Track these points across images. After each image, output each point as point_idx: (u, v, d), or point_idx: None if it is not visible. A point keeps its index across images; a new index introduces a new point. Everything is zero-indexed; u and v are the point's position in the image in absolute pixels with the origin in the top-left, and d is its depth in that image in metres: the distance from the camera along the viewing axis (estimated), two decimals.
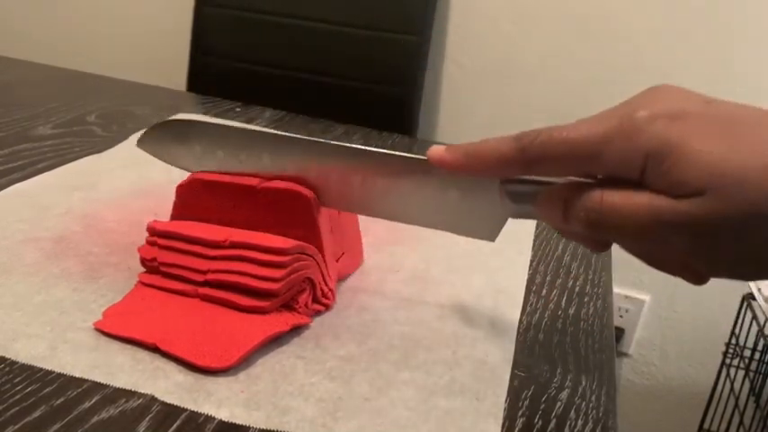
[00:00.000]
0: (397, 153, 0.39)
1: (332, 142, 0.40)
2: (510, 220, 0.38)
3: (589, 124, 0.32)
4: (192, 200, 0.43)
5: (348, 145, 0.40)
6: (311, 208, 0.41)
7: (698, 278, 0.34)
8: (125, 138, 0.67)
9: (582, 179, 0.34)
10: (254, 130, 0.42)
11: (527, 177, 0.36)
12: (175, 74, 1.26)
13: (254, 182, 0.41)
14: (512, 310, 0.44)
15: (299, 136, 0.41)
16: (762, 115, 0.32)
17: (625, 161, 0.31)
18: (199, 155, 0.43)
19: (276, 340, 0.38)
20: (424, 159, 0.37)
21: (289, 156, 0.41)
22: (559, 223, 0.35)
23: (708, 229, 0.30)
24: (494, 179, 0.37)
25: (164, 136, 0.44)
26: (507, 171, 0.36)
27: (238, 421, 0.32)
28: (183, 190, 0.43)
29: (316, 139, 0.40)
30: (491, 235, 0.40)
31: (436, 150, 0.37)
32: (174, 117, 0.74)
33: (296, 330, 0.39)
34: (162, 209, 0.44)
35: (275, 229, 0.41)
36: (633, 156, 0.31)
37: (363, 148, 0.39)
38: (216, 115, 0.79)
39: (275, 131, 0.41)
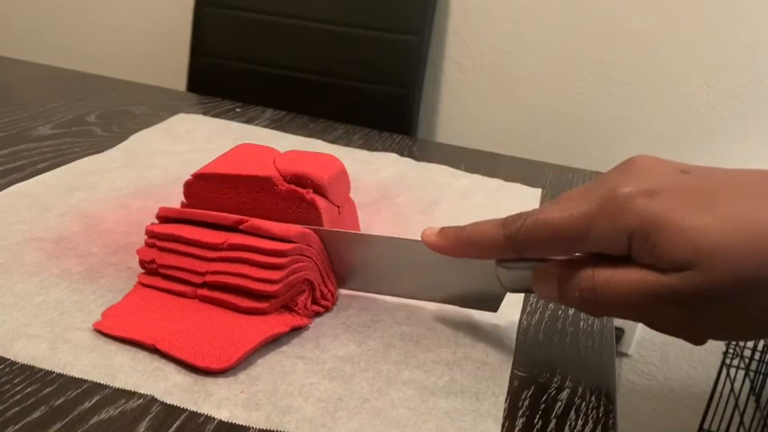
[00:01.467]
0: (398, 237, 0.41)
1: (342, 231, 0.42)
2: None
3: (572, 205, 0.33)
4: (199, 193, 0.44)
5: (357, 233, 0.42)
6: (318, 201, 0.42)
7: (697, 341, 0.35)
8: (125, 138, 0.67)
9: (574, 256, 0.35)
10: None
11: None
12: (175, 74, 1.26)
13: (257, 173, 0.42)
14: (512, 310, 0.44)
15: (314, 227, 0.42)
16: (739, 182, 0.32)
17: (610, 241, 0.32)
18: None
19: (276, 341, 0.38)
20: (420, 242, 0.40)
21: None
22: (556, 298, 0.36)
23: (698, 301, 0.31)
24: (490, 259, 0.38)
25: None
26: (497, 255, 0.37)
27: (238, 422, 0.32)
28: (188, 188, 0.44)
29: (329, 229, 0.42)
30: (493, 307, 0.42)
31: (429, 235, 0.39)
32: (174, 116, 0.74)
33: (295, 330, 0.39)
34: None
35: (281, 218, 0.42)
36: (617, 235, 0.32)
37: (370, 234, 0.42)
38: (216, 115, 0.79)
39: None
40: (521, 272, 0.38)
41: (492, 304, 0.42)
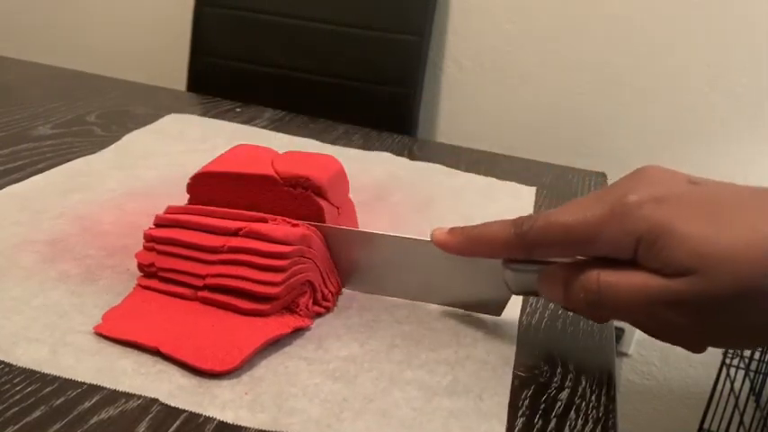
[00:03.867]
0: (405, 236, 0.41)
1: (348, 228, 0.42)
2: None
3: (583, 209, 0.34)
4: (203, 191, 0.44)
5: (363, 231, 0.42)
6: (319, 195, 0.42)
7: (695, 348, 0.36)
8: None
9: (580, 259, 0.36)
10: None
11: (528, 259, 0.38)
12: (175, 74, 1.26)
13: (259, 170, 0.42)
14: (512, 309, 0.44)
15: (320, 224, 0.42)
16: (743, 195, 0.34)
17: (618, 244, 0.33)
18: None
19: (278, 342, 0.38)
20: (429, 241, 0.40)
21: None
22: (561, 302, 0.37)
23: (700, 307, 0.32)
24: (496, 261, 0.39)
25: None
26: (507, 254, 0.38)
27: (244, 423, 0.32)
28: (192, 186, 0.44)
29: (334, 226, 0.42)
30: (497, 311, 0.42)
31: (439, 234, 0.39)
32: (167, 116, 0.74)
33: (298, 331, 0.39)
34: (157, 210, 0.44)
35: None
36: (625, 239, 0.33)
37: (376, 233, 0.42)
38: (216, 115, 0.79)
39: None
40: (527, 274, 0.38)
41: (495, 308, 0.42)
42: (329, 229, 0.42)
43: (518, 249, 0.36)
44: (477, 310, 0.43)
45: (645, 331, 0.36)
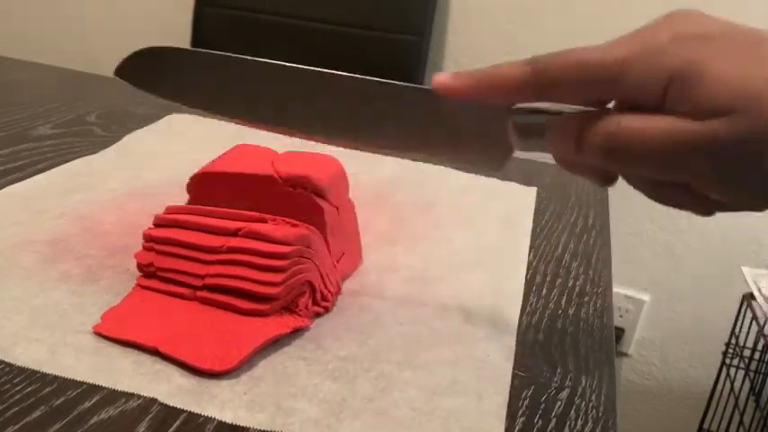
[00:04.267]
0: (400, 83, 0.37)
1: (334, 72, 0.37)
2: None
3: (609, 46, 0.31)
4: (203, 191, 0.44)
5: (351, 75, 0.37)
6: (319, 195, 0.42)
7: (706, 210, 0.33)
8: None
9: (595, 109, 0.33)
10: (233, 57, 0.39)
11: (537, 107, 0.34)
12: None
13: (259, 170, 0.42)
14: (512, 309, 0.44)
15: (296, 65, 0.38)
16: None
17: (647, 83, 0.30)
18: (184, 85, 0.40)
19: (277, 342, 0.38)
20: (428, 89, 0.35)
21: (279, 87, 0.39)
22: (571, 154, 0.33)
23: (731, 150, 0.29)
24: (500, 111, 0.35)
25: (145, 63, 0.40)
26: (519, 97, 0.34)
27: (243, 423, 0.32)
28: (192, 185, 0.44)
29: (316, 68, 0.37)
30: (497, 166, 0.38)
31: (442, 77, 0.35)
32: (168, 116, 0.74)
33: (297, 331, 0.39)
34: (158, 210, 0.44)
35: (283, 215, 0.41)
36: (656, 77, 0.30)
37: (357, 77, 0.37)
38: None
39: (273, 61, 0.39)
40: (535, 125, 0.35)
41: (496, 164, 0.38)
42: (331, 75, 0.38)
43: (531, 89, 0.33)
44: (474, 165, 0.39)
45: (652, 194, 0.34)
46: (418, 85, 0.36)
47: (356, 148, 0.39)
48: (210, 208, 0.42)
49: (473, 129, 0.37)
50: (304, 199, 0.42)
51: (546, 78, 0.32)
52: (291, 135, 0.39)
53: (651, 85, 0.30)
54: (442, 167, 0.69)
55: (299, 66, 0.37)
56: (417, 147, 0.39)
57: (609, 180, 0.35)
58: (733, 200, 0.32)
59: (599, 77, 0.31)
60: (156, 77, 0.40)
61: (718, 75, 0.29)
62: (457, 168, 0.68)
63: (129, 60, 0.40)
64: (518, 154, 0.37)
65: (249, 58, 0.38)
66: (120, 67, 0.40)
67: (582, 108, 0.33)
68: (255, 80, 0.39)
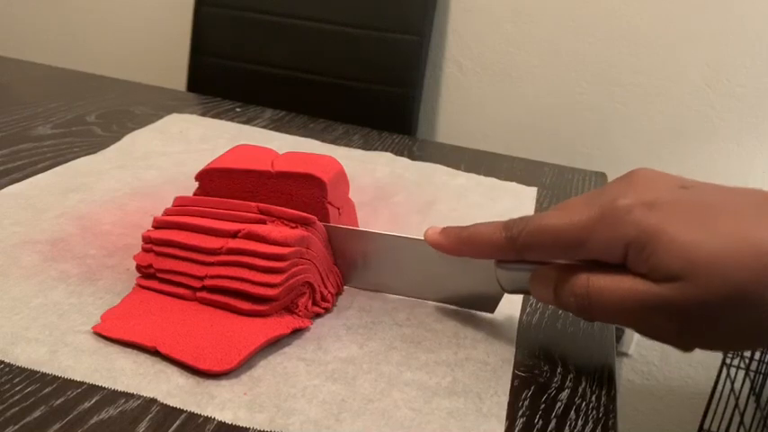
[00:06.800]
0: (402, 235, 0.42)
1: (346, 227, 0.43)
2: None
3: (573, 213, 0.35)
4: (210, 187, 0.44)
5: (357, 229, 0.43)
6: (324, 193, 0.42)
7: (684, 348, 0.35)
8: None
9: (570, 262, 0.36)
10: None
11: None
12: (175, 74, 1.26)
13: (267, 167, 0.43)
14: (512, 310, 0.44)
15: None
16: (735, 200, 0.33)
17: (607, 249, 0.34)
18: None
19: (277, 342, 0.38)
20: (422, 240, 0.40)
21: None
22: (551, 303, 0.37)
23: (687, 312, 0.32)
24: (489, 262, 0.39)
25: None
26: (499, 256, 0.38)
27: (242, 424, 0.32)
28: (202, 178, 0.44)
29: (334, 225, 0.42)
30: (490, 308, 0.43)
31: (432, 233, 0.40)
32: (168, 116, 0.74)
33: (297, 332, 0.39)
34: (158, 210, 0.44)
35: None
36: (615, 244, 0.33)
37: (361, 230, 0.43)
38: (216, 115, 0.79)
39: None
40: (519, 273, 0.39)
41: (489, 305, 0.43)
42: (329, 228, 0.42)
43: (509, 252, 0.37)
44: (470, 307, 0.43)
45: (635, 331, 0.36)
46: (417, 238, 0.41)
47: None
48: (217, 199, 0.42)
49: (468, 276, 0.41)
50: (307, 200, 0.42)
51: (520, 244, 0.36)
52: None
53: (612, 250, 0.34)
54: (441, 166, 0.69)
55: (334, 226, 0.43)
56: (421, 292, 0.44)
57: (593, 320, 0.39)
58: (702, 346, 0.35)
59: (567, 243, 0.35)
60: None
61: (669, 243, 0.32)
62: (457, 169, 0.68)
63: None
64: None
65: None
66: None
67: (559, 262, 0.37)
68: None
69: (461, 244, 0.38)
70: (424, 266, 0.42)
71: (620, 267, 0.34)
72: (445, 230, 0.39)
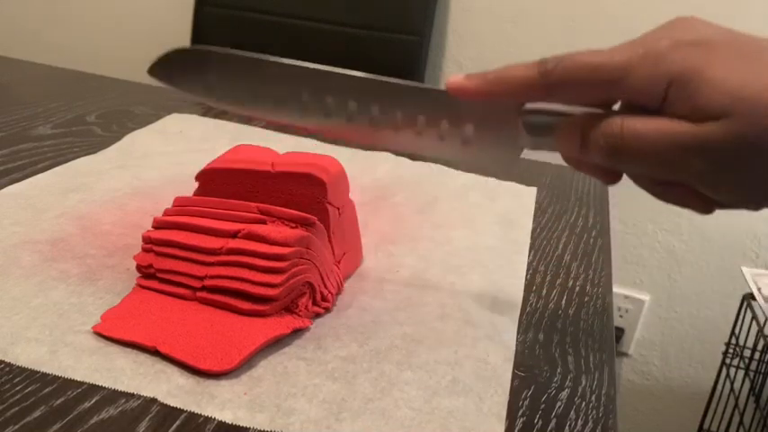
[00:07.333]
0: (413, 83, 0.39)
1: (348, 72, 0.39)
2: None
3: (613, 51, 0.33)
4: (210, 187, 0.44)
5: (364, 75, 0.39)
6: (324, 193, 0.42)
7: (706, 207, 0.34)
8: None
9: (600, 110, 0.34)
10: (275, 62, 0.41)
11: (546, 108, 0.36)
12: None
13: (267, 167, 0.42)
14: (512, 309, 0.44)
15: (315, 65, 0.40)
16: None
17: (648, 86, 0.32)
18: (214, 85, 0.41)
19: (277, 342, 0.38)
20: (442, 90, 0.37)
21: (305, 88, 0.40)
22: (576, 153, 0.35)
23: (728, 152, 0.31)
24: (511, 111, 0.37)
25: (177, 63, 0.41)
26: (528, 96, 0.36)
27: (242, 423, 0.32)
28: (202, 178, 0.44)
29: (331, 68, 0.39)
30: (508, 165, 0.40)
31: (456, 79, 0.37)
32: (168, 116, 0.74)
33: (297, 332, 0.39)
34: (158, 210, 0.44)
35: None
36: (657, 81, 0.32)
37: (381, 78, 0.39)
38: (216, 115, 0.79)
39: (295, 62, 0.41)
40: (546, 119, 0.36)
41: (506, 164, 0.40)
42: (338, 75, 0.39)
43: (540, 90, 0.34)
44: (485, 164, 0.41)
45: (654, 191, 0.35)
46: (434, 87, 0.38)
47: (371, 145, 0.40)
48: (217, 199, 0.42)
49: (485, 128, 0.38)
50: (307, 200, 0.42)
51: (554, 80, 0.34)
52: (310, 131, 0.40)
53: (652, 88, 0.32)
54: (443, 167, 0.69)
55: (341, 71, 0.39)
56: (431, 147, 0.40)
57: (613, 178, 0.37)
58: (728, 199, 0.33)
59: (604, 79, 0.33)
60: (187, 76, 0.41)
61: (715, 80, 0.30)
62: (458, 169, 0.68)
63: (162, 59, 0.41)
64: (526, 153, 0.39)
65: (290, 63, 0.40)
66: (152, 67, 0.42)
67: (588, 109, 0.35)
68: (281, 81, 0.40)
69: (488, 84, 0.36)
70: (438, 120, 0.39)
71: (655, 114, 0.32)
72: (470, 75, 0.37)
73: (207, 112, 0.80)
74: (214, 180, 0.44)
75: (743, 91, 0.30)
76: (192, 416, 0.32)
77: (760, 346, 1.06)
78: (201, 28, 1.19)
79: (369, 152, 0.72)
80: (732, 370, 1.08)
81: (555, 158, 0.39)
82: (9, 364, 0.34)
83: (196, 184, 0.45)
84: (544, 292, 0.48)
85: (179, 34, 1.28)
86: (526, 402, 0.36)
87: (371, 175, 0.65)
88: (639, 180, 0.36)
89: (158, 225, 0.42)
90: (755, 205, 0.34)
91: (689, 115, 0.31)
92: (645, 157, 0.33)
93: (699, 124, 0.31)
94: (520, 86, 0.35)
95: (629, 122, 0.33)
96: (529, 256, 0.53)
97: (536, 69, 0.34)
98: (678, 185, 0.34)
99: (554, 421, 0.35)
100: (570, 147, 0.36)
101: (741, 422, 0.99)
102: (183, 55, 0.41)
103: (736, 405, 1.02)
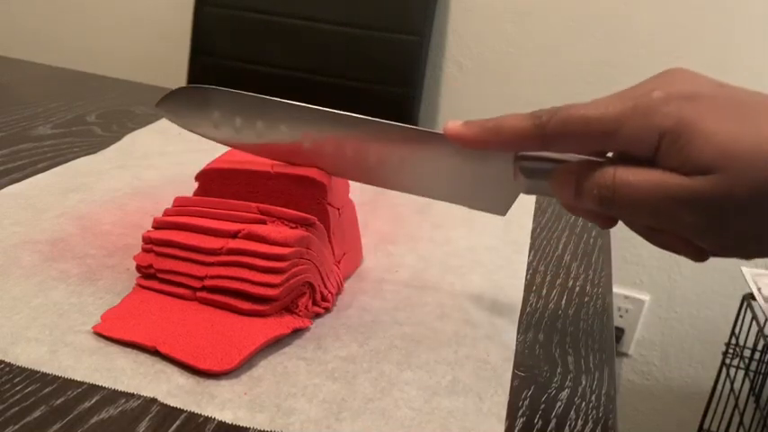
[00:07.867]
0: (412, 127, 0.40)
1: (350, 114, 0.40)
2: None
3: (606, 103, 0.34)
4: (210, 187, 0.44)
5: (366, 117, 0.40)
6: (324, 193, 0.42)
7: (699, 255, 0.35)
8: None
9: (595, 158, 0.35)
10: (273, 100, 0.42)
11: (542, 154, 0.37)
12: (175, 74, 1.26)
13: (267, 167, 0.42)
14: (512, 309, 0.44)
15: (316, 107, 0.41)
16: None
17: (640, 139, 0.33)
18: (217, 122, 0.43)
19: (277, 342, 0.38)
20: (440, 134, 0.38)
21: (305, 126, 0.41)
22: (571, 200, 0.36)
23: (716, 206, 0.31)
24: (508, 155, 0.38)
25: (183, 101, 0.43)
26: (524, 147, 0.36)
27: (242, 423, 0.32)
28: (202, 178, 0.44)
29: (334, 110, 0.40)
30: (503, 209, 0.41)
31: (453, 125, 0.37)
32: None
33: (297, 332, 0.39)
34: (158, 210, 0.44)
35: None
36: (648, 134, 0.32)
37: (381, 121, 0.40)
38: None
39: (294, 102, 0.41)
40: (541, 165, 0.37)
41: (502, 207, 0.41)
42: (339, 116, 0.40)
43: (535, 141, 0.35)
44: (480, 208, 0.41)
45: (649, 238, 0.35)
46: (432, 131, 0.39)
47: (374, 184, 0.43)
48: (217, 199, 0.42)
49: (482, 175, 0.39)
50: (307, 200, 0.42)
51: (549, 132, 0.35)
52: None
53: (645, 140, 0.33)
54: None
55: (338, 112, 0.40)
56: (429, 189, 0.42)
57: (609, 223, 0.38)
58: (720, 249, 0.34)
59: (597, 132, 0.33)
60: (192, 114, 0.44)
61: (705, 135, 0.31)
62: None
63: (168, 97, 0.45)
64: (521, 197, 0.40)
65: (288, 102, 0.41)
66: (159, 103, 0.45)
67: (583, 157, 0.36)
68: (292, 124, 0.42)
69: (485, 134, 0.36)
70: (435, 162, 0.40)
71: (648, 164, 0.33)
72: (468, 122, 0.38)
73: None
74: (214, 180, 0.44)
75: (731, 146, 0.31)
76: (192, 416, 0.32)
77: (760, 347, 1.06)
78: (201, 28, 1.19)
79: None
80: (732, 370, 1.08)
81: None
82: (9, 364, 0.34)
83: (196, 185, 0.45)
84: (544, 292, 0.48)
85: (179, 34, 1.28)
86: (526, 402, 0.36)
87: None
88: (633, 226, 0.36)
89: (158, 225, 0.42)
90: (746, 256, 0.34)
91: (680, 168, 0.32)
92: (636, 207, 0.34)
93: (689, 177, 0.32)
94: (515, 137, 0.36)
95: (621, 173, 0.33)
96: (529, 256, 0.53)
97: (531, 121, 0.35)
98: (671, 233, 0.35)
99: (554, 421, 0.35)
100: (565, 194, 0.36)
101: (741, 422, 0.99)
102: (187, 94, 0.43)
103: (736, 405, 1.02)
